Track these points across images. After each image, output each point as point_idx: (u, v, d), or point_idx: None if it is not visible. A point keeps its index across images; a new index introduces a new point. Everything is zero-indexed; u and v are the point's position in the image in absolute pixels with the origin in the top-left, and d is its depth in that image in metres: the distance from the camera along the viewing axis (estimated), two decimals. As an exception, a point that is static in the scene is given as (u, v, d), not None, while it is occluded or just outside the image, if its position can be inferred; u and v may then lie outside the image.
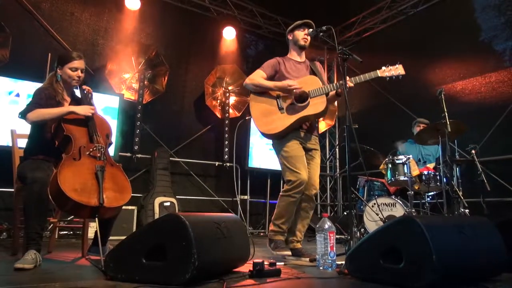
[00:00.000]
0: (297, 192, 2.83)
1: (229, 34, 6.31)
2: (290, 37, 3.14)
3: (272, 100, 2.93)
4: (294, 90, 2.86)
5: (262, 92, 2.98)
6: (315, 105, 2.87)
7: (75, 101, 2.67)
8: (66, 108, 2.49)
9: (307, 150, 2.99)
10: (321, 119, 6.83)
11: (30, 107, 2.42)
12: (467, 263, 1.72)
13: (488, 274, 1.87)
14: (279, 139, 2.94)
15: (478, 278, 1.79)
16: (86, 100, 2.66)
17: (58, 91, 2.58)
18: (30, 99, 2.53)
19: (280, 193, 2.92)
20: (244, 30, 6.58)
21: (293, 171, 2.84)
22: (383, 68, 2.89)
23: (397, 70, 2.88)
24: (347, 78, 2.82)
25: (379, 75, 2.87)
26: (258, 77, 2.97)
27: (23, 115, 2.42)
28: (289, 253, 2.73)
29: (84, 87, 2.69)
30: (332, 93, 2.95)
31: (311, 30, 3.03)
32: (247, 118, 5.74)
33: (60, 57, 2.63)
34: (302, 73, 3.06)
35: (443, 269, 1.56)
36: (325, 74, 3.23)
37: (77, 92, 2.71)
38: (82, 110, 2.49)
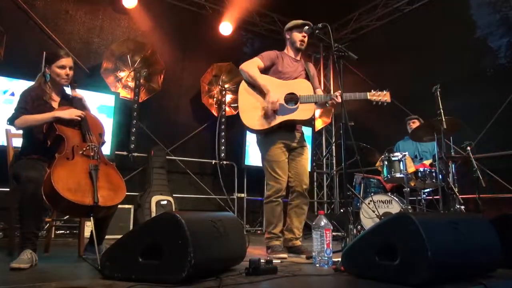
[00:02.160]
0: (278, 196, 2.92)
1: (225, 30, 6.29)
2: (287, 36, 3.15)
3: (263, 95, 2.92)
4: (270, 107, 2.83)
5: (255, 85, 2.97)
6: (303, 111, 2.90)
7: (66, 100, 2.65)
8: (52, 114, 2.43)
9: (292, 149, 3.01)
10: (317, 116, 6.85)
11: (17, 114, 2.41)
12: (462, 259, 1.73)
13: (483, 270, 1.88)
14: (263, 137, 2.98)
15: (473, 274, 1.80)
16: (77, 102, 2.62)
17: (46, 92, 2.55)
18: (17, 102, 2.50)
19: (264, 201, 2.99)
20: (240, 27, 6.57)
21: (273, 177, 2.92)
22: (373, 91, 2.98)
23: (384, 97, 2.97)
24: (338, 92, 2.86)
25: (368, 97, 2.96)
26: (255, 67, 2.96)
27: (11, 122, 2.42)
28: (286, 256, 2.73)
29: (74, 94, 2.65)
30: (322, 102, 2.99)
31: (307, 27, 3.03)
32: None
33: (47, 56, 2.61)
34: (298, 71, 3.07)
35: (438, 266, 1.57)
36: (316, 75, 3.24)
37: (68, 90, 2.68)
38: (68, 114, 2.45)
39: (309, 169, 3.17)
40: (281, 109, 2.89)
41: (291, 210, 3.00)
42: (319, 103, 3.01)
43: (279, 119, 2.87)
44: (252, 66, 2.96)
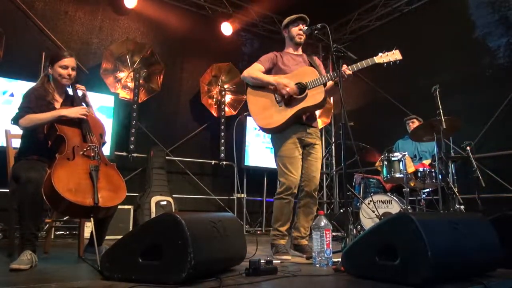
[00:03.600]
0: (288, 194, 2.87)
1: (225, 30, 6.30)
2: (285, 33, 3.14)
3: (269, 93, 2.93)
4: (288, 90, 2.83)
5: (259, 86, 2.97)
6: (313, 96, 2.85)
7: (69, 101, 2.65)
8: (57, 112, 2.44)
9: (306, 145, 2.98)
10: (317, 116, 6.84)
11: (21, 113, 2.41)
12: (462, 259, 1.73)
13: (483, 270, 1.88)
14: (278, 133, 2.94)
15: (473, 273, 1.80)
16: (79, 100, 2.63)
17: (49, 91, 2.56)
18: (20, 102, 2.50)
19: (274, 197, 2.96)
20: (239, 28, 6.57)
21: (285, 173, 2.87)
22: (380, 54, 2.84)
23: (394, 55, 2.82)
24: (345, 66, 2.80)
25: (376, 61, 2.82)
26: (256, 70, 2.96)
27: (15, 121, 2.41)
28: (289, 257, 2.72)
29: (77, 86, 2.66)
30: (331, 83, 2.93)
31: (306, 28, 3.03)
32: (244, 114, 5.73)
33: (50, 57, 2.61)
34: (300, 65, 3.05)
35: (438, 265, 1.57)
36: (322, 66, 3.22)
37: (71, 91, 2.69)
38: (73, 113, 2.46)
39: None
40: (292, 101, 2.87)
41: (299, 209, 2.99)
42: (330, 87, 2.97)
43: (292, 111, 2.85)
44: (252, 70, 2.97)
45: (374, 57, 2.83)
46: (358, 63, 2.80)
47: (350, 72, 2.79)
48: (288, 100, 2.88)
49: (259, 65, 2.99)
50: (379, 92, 6.13)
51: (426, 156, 4.69)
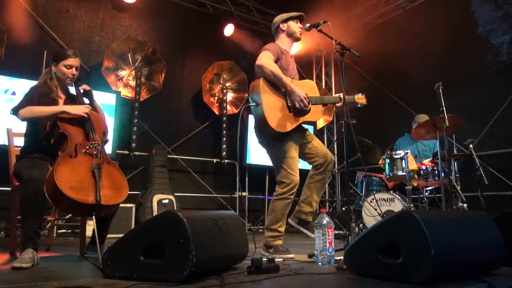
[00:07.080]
0: (292, 194, 2.84)
1: (226, 31, 6.30)
2: (283, 27, 3.05)
3: (281, 95, 2.83)
4: (303, 104, 2.80)
5: (277, 82, 2.82)
6: (315, 113, 2.90)
7: (70, 98, 2.65)
8: (60, 107, 2.45)
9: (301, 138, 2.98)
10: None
11: (23, 104, 2.40)
12: (465, 257, 1.72)
13: (486, 268, 1.87)
14: (278, 137, 2.86)
15: (476, 272, 1.79)
16: (81, 98, 2.63)
17: (53, 88, 2.56)
18: (23, 95, 2.49)
19: (273, 197, 2.88)
20: (240, 26, 6.56)
21: (289, 174, 2.83)
22: (359, 95, 3.14)
23: (360, 100, 3.15)
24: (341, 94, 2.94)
25: (356, 100, 3.12)
26: (274, 64, 2.80)
27: (15, 111, 2.39)
28: (293, 256, 2.68)
29: (83, 86, 2.66)
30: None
31: (308, 25, 3.00)
32: (246, 112, 5.70)
33: (55, 54, 2.62)
34: (295, 69, 3.04)
35: (441, 264, 1.56)
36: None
37: (72, 90, 2.69)
38: (76, 110, 2.45)
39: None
40: (297, 110, 2.83)
41: (313, 183, 2.91)
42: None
43: (298, 121, 2.83)
44: (271, 62, 2.78)
45: (355, 96, 3.13)
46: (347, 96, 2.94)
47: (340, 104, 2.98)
48: (296, 109, 2.82)
49: (271, 54, 2.83)
50: (381, 89, 6.11)
51: (427, 155, 4.67)
